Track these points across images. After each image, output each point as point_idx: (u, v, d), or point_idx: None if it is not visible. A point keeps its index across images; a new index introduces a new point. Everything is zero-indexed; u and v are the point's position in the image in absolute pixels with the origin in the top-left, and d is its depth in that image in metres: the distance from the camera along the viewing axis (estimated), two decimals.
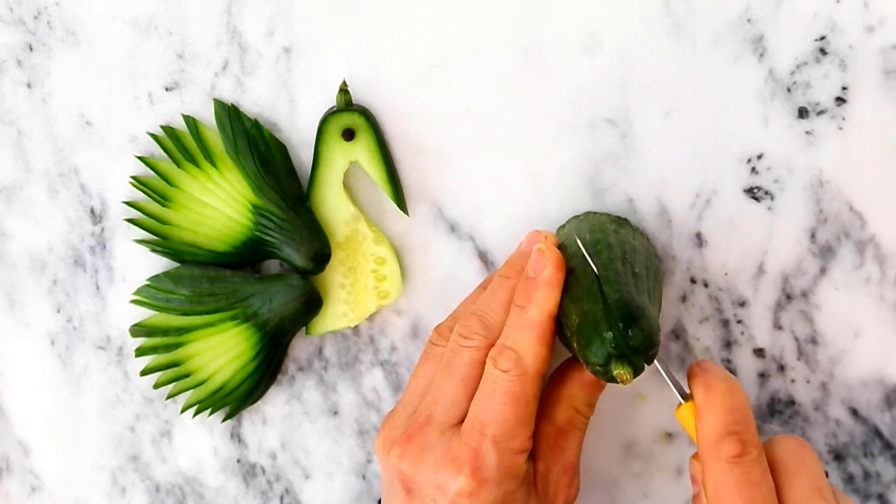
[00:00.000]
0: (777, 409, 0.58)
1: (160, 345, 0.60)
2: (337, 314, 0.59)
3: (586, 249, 0.51)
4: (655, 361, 0.49)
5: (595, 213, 0.57)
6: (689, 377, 0.50)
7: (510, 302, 0.53)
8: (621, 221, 0.55)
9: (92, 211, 0.61)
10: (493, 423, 0.49)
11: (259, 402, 0.61)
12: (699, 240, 0.57)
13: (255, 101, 0.59)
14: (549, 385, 0.54)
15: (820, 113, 0.55)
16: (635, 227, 0.56)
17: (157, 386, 0.60)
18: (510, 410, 0.49)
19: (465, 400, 0.51)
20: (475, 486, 0.49)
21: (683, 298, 0.58)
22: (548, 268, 0.51)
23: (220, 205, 0.58)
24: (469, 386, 0.51)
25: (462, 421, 0.51)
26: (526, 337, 0.51)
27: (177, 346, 0.59)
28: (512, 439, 0.50)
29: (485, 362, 0.51)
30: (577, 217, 0.56)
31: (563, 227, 0.56)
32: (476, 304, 0.54)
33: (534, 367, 0.50)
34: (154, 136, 0.59)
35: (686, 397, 0.50)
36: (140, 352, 0.60)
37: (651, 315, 0.48)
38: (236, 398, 0.60)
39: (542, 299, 0.51)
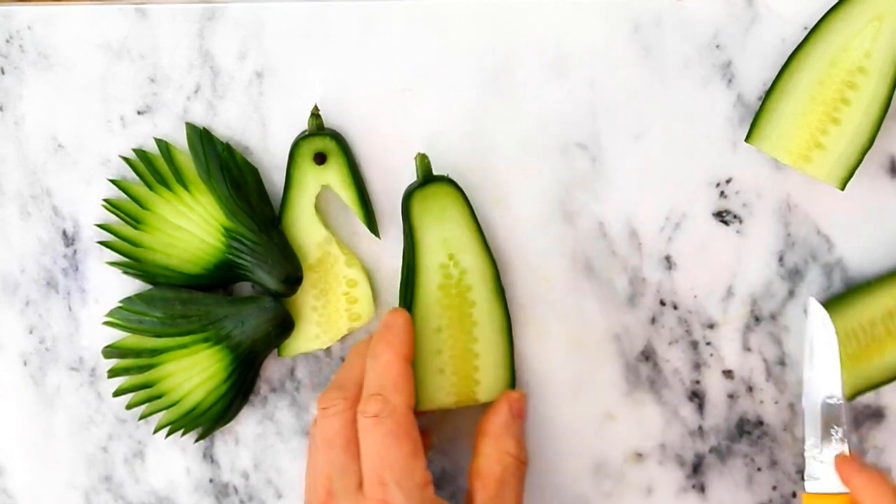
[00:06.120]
0: (746, 430, 0.58)
1: (133, 366, 0.60)
2: (309, 336, 0.59)
3: None
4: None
5: None
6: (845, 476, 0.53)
7: (363, 368, 0.54)
8: None
9: (64, 233, 0.61)
10: (387, 468, 0.50)
11: (232, 422, 0.61)
12: (669, 262, 0.58)
13: (227, 125, 0.59)
14: (477, 442, 0.55)
15: None
16: None
17: (129, 407, 0.60)
18: (396, 449, 0.50)
19: (353, 463, 0.52)
20: None
21: (653, 320, 0.58)
22: (400, 318, 0.54)
23: (193, 227, 0.58)
24: (352, 449, 0.52)
25: (362, 484, 0.51)
26: (386, 377, 0.52)
27: (149, 367, 0.59)
28: (411, 476, 0.50)
29: (356, 421, 0.52)
30: None
31: None
32: (331, 380, 0.56)
33: (402, 402, 0.51)
34: (126, 160, 0.59)
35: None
36: (113, 373, 0.60)
37: None
38: (209, 419, 0.60)
39: (398, 343, 0.53)
